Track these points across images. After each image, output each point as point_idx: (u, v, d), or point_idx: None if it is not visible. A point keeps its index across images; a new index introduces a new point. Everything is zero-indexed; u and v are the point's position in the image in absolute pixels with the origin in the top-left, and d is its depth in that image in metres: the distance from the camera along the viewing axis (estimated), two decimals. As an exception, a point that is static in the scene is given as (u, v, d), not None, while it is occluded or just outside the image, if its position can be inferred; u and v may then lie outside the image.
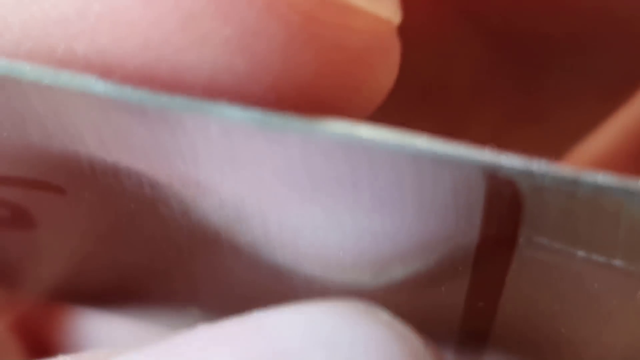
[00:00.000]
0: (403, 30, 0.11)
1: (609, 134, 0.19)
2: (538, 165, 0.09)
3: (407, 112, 0.17)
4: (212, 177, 0.10)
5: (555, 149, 0.18)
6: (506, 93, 0.17)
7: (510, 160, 0.09)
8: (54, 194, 0.11)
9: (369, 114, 0.10)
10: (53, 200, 0.12)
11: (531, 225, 0.09)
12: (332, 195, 0.10)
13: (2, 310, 0.17)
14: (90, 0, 0.10)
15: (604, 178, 0.08)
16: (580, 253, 0.09)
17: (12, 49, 0.10)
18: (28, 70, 0.09)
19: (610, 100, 0.17)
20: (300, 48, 0.10)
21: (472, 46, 0.16)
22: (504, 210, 0.09)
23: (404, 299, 0.12)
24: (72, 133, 0.10)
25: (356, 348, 0.09)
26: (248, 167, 0.09)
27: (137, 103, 0.09)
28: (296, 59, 0.10)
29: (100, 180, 0.11)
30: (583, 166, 0.19)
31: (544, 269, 0.10)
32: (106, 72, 0.10)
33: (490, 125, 0.17)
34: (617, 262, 0.09)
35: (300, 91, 0.10)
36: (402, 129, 0.09)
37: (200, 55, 0.09)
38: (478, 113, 0.17)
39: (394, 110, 0.16)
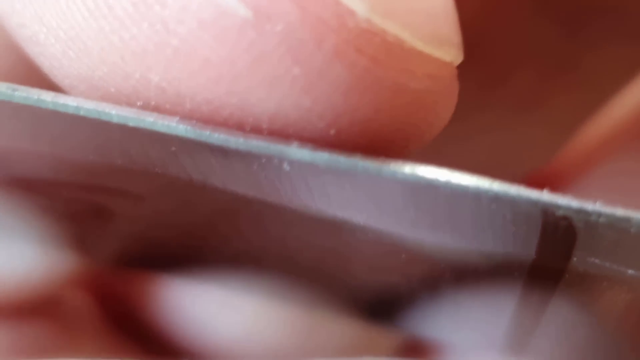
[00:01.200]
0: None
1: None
2: (592, 206, 0.09)
3: None
4: (292, 201, 0.11)
5: (597, 96, 0.18)
6: (549, 40, 0.17)
7: (566, 201, 0.09)
8: (133, 199, 0.12)
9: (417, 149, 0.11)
10: (133, 202, 0.13)
11: (584, 249, 0.10)
12: (396, 225, 0.10)
13: (81, 278, 0.18)
14: (169, 35, 0.10)
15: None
16: (631, 272, 0.10)
17: (87, 73, 0.11)
18: (114, 114, 0.10)
19: None
20: (363, 89, 0.10)
21: None
22: (559, 238, 0.10)
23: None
24: (154, 160, 0.11)
25: None
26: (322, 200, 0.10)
27: (216, 144, 0.10)
28: (358, 99, 0.10)
29: (180, 192, 0.11)
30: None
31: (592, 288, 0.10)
32: (178, 102, 0.10)
33: (534, 73, 0.17)
34: None
35: (360, 128, 0.10)
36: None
37: (268, 92, 0.10)
38: (522, 62, 0.17)
39: None
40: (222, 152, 0.10)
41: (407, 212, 0.10)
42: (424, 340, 0.18)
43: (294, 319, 0.18)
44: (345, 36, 0.10)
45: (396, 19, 0.10)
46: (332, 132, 0.10)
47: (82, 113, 0.10)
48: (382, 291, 0.15)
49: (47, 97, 0.10)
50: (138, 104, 0.11)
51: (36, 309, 0.17)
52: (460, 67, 0.18)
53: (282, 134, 0.10)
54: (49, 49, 0.11)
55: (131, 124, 0.10)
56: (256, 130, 0.10)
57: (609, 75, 0.18)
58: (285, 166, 0.10)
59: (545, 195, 0.09)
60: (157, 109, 0.11)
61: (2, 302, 0.17)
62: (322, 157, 0.10)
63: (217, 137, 0.10)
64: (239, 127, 0.10)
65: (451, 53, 0.11)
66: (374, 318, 0.16)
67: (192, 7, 0.10)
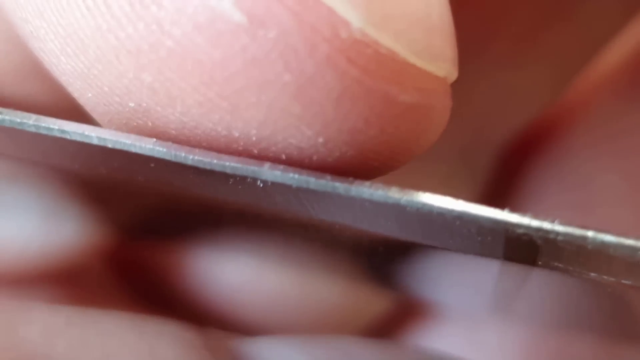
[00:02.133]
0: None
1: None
2: (551, 225, 0.09)
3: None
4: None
5: (590, 46, 0.18)
6: None
7: (526, 220, 0.10)
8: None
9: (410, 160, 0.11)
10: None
11: (547, 256, 0.10)
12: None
13: (103, 250, 0.18)
14: (164, 36, 0.10)
15: (609, 237, 0.09)
16: (593, 275, 0.10)
17: (83, 70, 0.11)
18: (94, 136, 0.10)
19: None
20: (353, 99, 0.10)
21: None
22: (523, 248, 0.10)
23: None
24: (136, 172, 0.11)
25: None
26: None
27: (191, 165, 0.10)
28: (347, 109, 0.10)
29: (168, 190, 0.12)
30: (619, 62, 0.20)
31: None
32: (169, 103, 0.11)
33: (526, 24, 0.17)
34: (626, 281, 0.10)
35: (348, 137, 0.10)
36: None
37: (258, 96, 0.10)
38: (513, 13, 0.17)
39: None
40: (197, 170, 0.10)
41: (380, 222, 0.10)
42: (415, 302, 0.19)
43: (291, 276, 0.18)
44: (338, 45, 0.10)
45: (390, 31, 0.10)
46: (321, 140, 0.10)
47: (64, 136, 0.10)
48: (376, 249, 0.15)
49: (29, 120, 0.10)
50: (130, 105, 0.11)
51: (60, 278, 0.17)
52: (454, 13, 0.18)
53: (271, 140, 0.10)
54: (48, 44, 0.11)
55: (110, 145, 0.10)
56: (246, 136, 0.10)
57: (604, 21, 0.18)
58: (259, 183, 0.10)
59: (506, 215, 0.10)
60: (147, 112, 0.11)
61: (30, 269, 0.17)
62: (293, 178, 0.10)
63: (192, 158, 0.10)
64: (229, 131, 0.11)
65: (444, 68, 0.11)
66: (368, 275, 0.17)
67: (188, 9, 0.10)
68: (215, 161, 0.10)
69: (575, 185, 0.20)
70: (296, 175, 0.10)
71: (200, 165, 0.10)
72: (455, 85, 0.19)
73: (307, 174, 0.10)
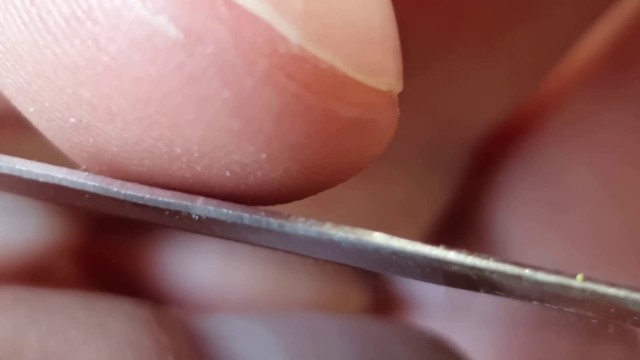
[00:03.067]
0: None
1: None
2: (485, 262, 0.09)
3: (403, 18, 0.17)
4: None
5: (559, 44, 0.18)
6: None
7: (460, 258, 0.09)
8: None
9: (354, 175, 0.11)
10: None
11: (486, 288, 0.10)
12: None
13: (71, 248, 0.18)
14: (100, 52, 0.10)
15: (543, 275, 0.09)
16: (535, 302, 0.10)
17: (23, 85, 0.11)
18: (24, 170, 0.10)
19: None
20: (293, 115, 0.10)
21: None
22: (461, 280, 0.10)
23: None
24: (74, 201, 0.11)
25: None
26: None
27: (124, 199, 0.10)
28: (288, 125, 0.10)
29: None
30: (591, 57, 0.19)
31: None
32: (109, 119, 0.10)
33: (493, 22, 0.17)
34: (570, 310, 0.10)
35: (291, 153, 0.10)
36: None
37: (197, 113, 0.10)
38: (479, 11, 0.17)
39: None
40: (132, 203, 0.10)
41: (318, 253, 0.10)
42: (393, 297, 0.19)
43: (265, 271, 0.18)
44: (277, 61, 0.10)
45: (330, 46, 0.10)
46: (263, 156, 0.10)
47: None
48: None
49: None
50: (71, 120, 0.11)
51: (24, 276, 0.17)
52: (415, 15, 0.17)
53: (213, 156, 0.10)
54: None
55: (41, 179, 0.10)
56: (187, 152, 0.10)
57: (572, 18, 0.18)
58: (194, 216, 0.10)
59: (440, 252, 0.09)
60: (88, 128, 0.11)
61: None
62: (227, 214, 0.10)
63: (125, 193, 0.10)
64: (170, 147, 0.10)
65: (387, 82, 0.11)
66: (346, 270, 0.17)
67: (123, 25, 0.10)
68: (147, 196, 0.10)
69: (547, 182, 0.20)
70: (230, 212, 0.10)
71: (133, 200, 0.10)
72: (424, 86, 0.19)
73: (241, 209, 0.10)
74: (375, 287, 0.18)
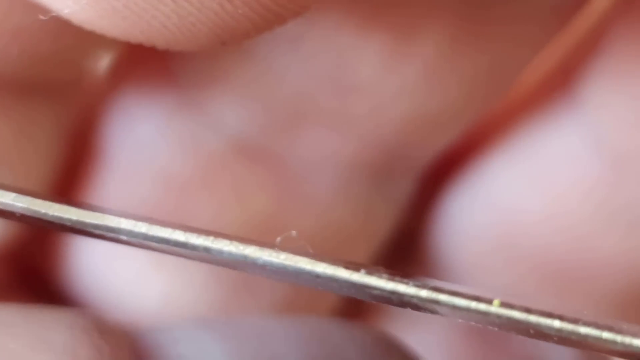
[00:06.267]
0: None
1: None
2: (405, 287, 0.10)
3: (357, 30, 0.17)
4: None
5: (508, 68, 0.18)
6: (455, 14, 0.17)
7: (381, 283, 0.10)
8: None
9: None
10: None
11: (412, 308, 0.10)
12: None
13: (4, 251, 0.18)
14: None
15: (460, 301, 0.10)
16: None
17: None
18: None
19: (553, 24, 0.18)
20: None
21: None
22: (388, 302, 0.10)
23: None
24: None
25: None
26: None
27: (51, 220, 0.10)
28: None
29: None
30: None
31: None
32: None
33: (442, 44, 0.17)
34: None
35: None
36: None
37: None
38: (426, 34, 0.17)
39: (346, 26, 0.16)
40: (60, 225, 0.10)
41: (245, 271, 0.11)
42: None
43: (215, 283, 0.18)
44: None
45: None
46: None
47: None
48: None
49: None
50: None
51: None
52: (368, 27, 0.17)
53: None
54: None
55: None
56: None
57: (522, 42, 0.18)
58: (123, 237, 0.10)
59: (360, 277, 0.10)
60: None
61: None
62: (152, 236, 0.10)
63: (52, 215, 0.10)
64: None
65: None
66: None
67: None
68: (74, 218, 0.10)
69: (496, 205, 0.20)
70: (155, 233, 0.10)
71: (60, 222, 0.10)
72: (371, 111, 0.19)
73: (167, 232, 0.10)
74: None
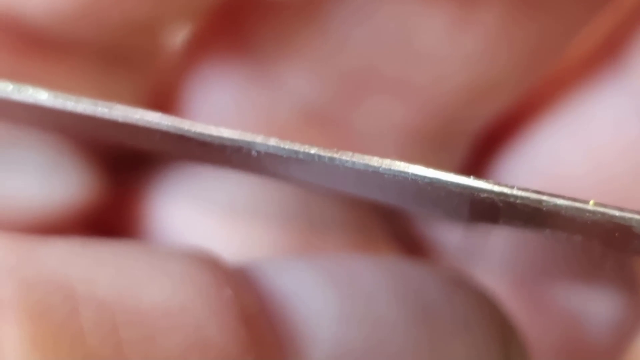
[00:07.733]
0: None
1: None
2: (510, 190, 0.11)
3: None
4: None
5: (557, 39, 0.19)
6: None
7: (489, 186, 0.11)
8: None
9: None
10: None
11: (507, 217, 0.12)
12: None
13: (80, 214, 0.19)
14: None
15: (561, 201, 0.11)
16: (547, 231, 0.12)
17: None
18: (107, 112, 0.11)
19: None
20: None
21: None
22: (485, 210, 0.11)
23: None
24: (141, 144, 0.12)
25: None
26: None
27: (193, 137, 0.11)
28: None
29: None
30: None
31: None
32: None
33: (502, 11, 0.18)
34: (576, 237, 0.12)
35: None
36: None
37: None
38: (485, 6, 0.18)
39: None
40: (198, 142, 0.11)
41: (360, 188, 0.12)
42: (415, 245, 0.20)
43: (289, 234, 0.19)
44: None
45: None
46: None
47: (76, 110, 0.11)
48: None
49: (43, 96, 0.11)
50: None
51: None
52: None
53: None
54: None
55: (120, 120, 0.11)
56: None
57: (572, 12, 0.19)
58: (253, 153, 0.11)
59: (471, 181, 0.11)
60: None
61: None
62: (284, 149, 0.11)
63: (194, 132, 0.11)
64: None
65: None
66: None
67: None
68: (214, 134, 0.11)
69: (539, 172, 0.21)
70: (286, 146, 0.11)
71: (200, 138, 0.11)
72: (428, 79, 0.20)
73: (298, 146, 0.11)
74: (399, 235, 0.19)
